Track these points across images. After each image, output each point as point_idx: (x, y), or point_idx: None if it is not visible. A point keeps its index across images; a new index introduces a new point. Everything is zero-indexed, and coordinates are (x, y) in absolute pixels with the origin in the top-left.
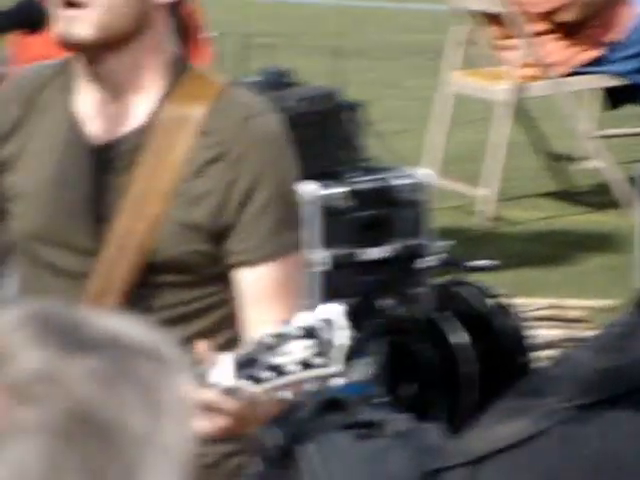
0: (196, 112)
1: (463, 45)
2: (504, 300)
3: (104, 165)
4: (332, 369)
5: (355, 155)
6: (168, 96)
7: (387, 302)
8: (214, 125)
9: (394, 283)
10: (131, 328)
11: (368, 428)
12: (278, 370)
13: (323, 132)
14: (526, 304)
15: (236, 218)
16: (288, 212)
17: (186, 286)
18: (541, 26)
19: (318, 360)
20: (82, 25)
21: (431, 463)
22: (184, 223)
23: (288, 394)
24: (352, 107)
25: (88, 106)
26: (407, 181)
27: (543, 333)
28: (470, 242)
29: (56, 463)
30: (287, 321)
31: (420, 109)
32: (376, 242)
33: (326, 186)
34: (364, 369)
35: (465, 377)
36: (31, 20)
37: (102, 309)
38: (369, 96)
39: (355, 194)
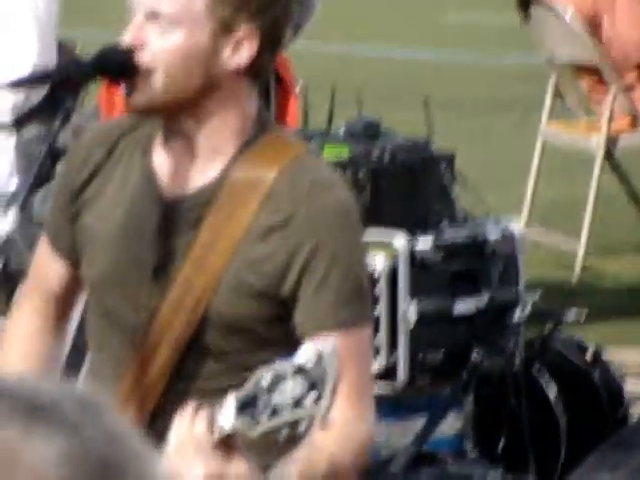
0: (267, 175)
1: (557, 96)
2: (598, 352)
3: (172, 219)
4: (322, 405)
5: (448, 206)
6: (241, 156)
7: (478, 355)
8: (282, 190)
9: (485, 336)
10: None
11: None
12: (274, 410)
13: (418, 183)
14: (617, 356)
15: (296, 288)
16: (351, 285)
17: (240, 350)
18: (634, 77)
19: (309, 397)
20: (139, 94)
21: None
22: (242, 284)
23: (284, 434)
24: (446, 158)
25: (162, 160)
26: (498, 233)
27: (633, 387)
28: (561, 294)
29: None
30: (284, 359)
31: (512, 161)
32: (467, 294)
33: (417, 237)
34: (455, 423)
35: (555, 430)
36: (115, 68)
37: (154, 364)
38: (461, 148)
39: (446, 246)
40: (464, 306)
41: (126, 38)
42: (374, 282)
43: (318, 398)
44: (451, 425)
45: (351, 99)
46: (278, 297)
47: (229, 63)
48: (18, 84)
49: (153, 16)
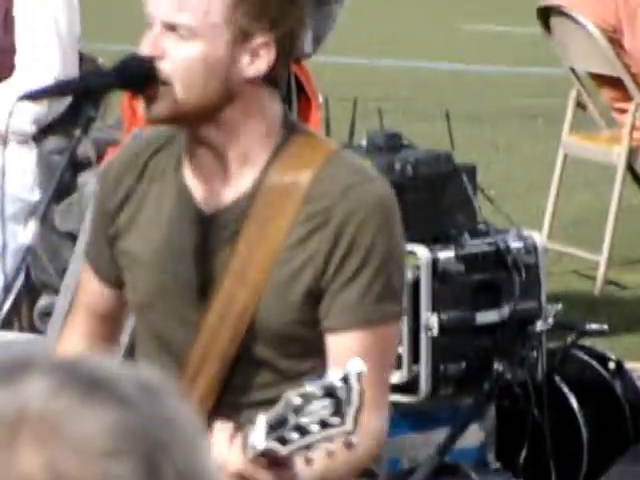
0: (302, 178)
1: (578, 108)
2: (620, 364)
3: (209, 235)
4: (346, 428)
5: (470, 218)
6: (274, 162)
7: (500, 366)
8: (318, 192)
9: (507, 347)
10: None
11: None
12: (302, 430)
13: (439, 195)
14: (637, 369)
15: (330, 283)
16: (383, 282)
17: (286, 359)
18: None
19: (334, 419)
20: (158, 104)
21: None
22: (284, 293)
23: (311, 454)
24: (468, 170)
25: (194, 175)
26: (520, 244)
27: None
28: (584, 305)
29: None
30: (313, 380)
31: (533, 172)
32: (489, 306)
33: (438, 249)
34: (477, 434)
35: (577, 442)
36: (136, 78)
37: (203, 379)
38: (482, 160)
39: (468, 257)
40: (486, 317)
41: (144, 49)
42: None
43: (344, 418)
44: (473, 436)
45: (373, 111)
46: (317, 297)
47: (247, 72)
48: (40, 95)
49: (171, 27)
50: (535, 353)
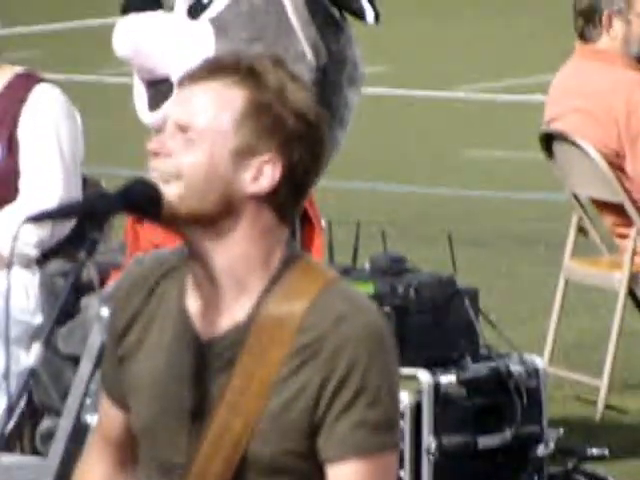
0: (296, 308)
1: (580, 233)
2: None
3: (207, 361)
4: None
5: (472, 342)
6: (270, 291)
7: None
8: (310, 323)
9: (508, 472)
10: None
11: None
12: None
13: (442, 318)
14: None
15: (325, 414)
16: (378, 412)
17: None
18: None
19: None
20: (171, 187)
21: None
22: (279, 424)
23: None
24: (470, 294)
25: (194, 300)
26: (521, 369)
27: None
28: (584, 430)
29: None
30: None
31: (534, 297)
32: (491, 429)
33: (440, 373)
34: None
35: None
36: (141, 202)
37: None
38: (484, 284)
39: (470, 381)
40: (488, 441)
41: (151, 144)
42: None
43: None
44: None
45: (376, 235)
46: (314, 429)
47: (248, 188)
48: (44, 218)
49: (181, 128)
50: (537, 478)
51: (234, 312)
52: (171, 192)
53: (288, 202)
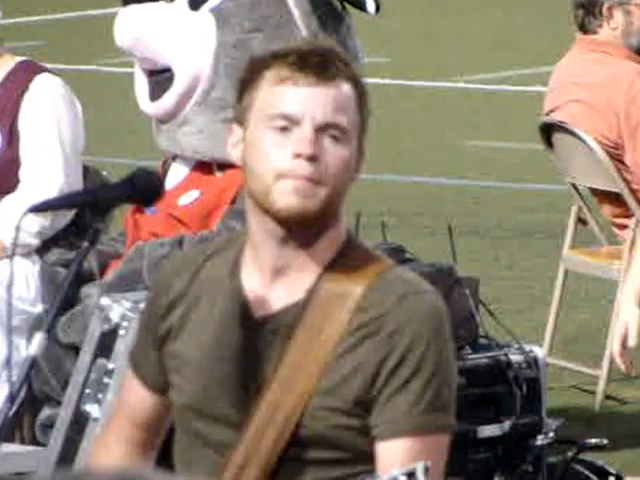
0: (354, 289)
1: (579, 223)
2: (620, 479)
3: (261, 338)
4: None
5: (471, 332)
6: (329, 272)
7: None
8: (371, 302)
9: (508, 461)
10: None
11: None
12: None
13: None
14: None
15: (380, 391)
16: (433, 392)
17: (333, 463)
18: None
19: None
20: (313, 199)
21: None
22: (332, 401)
23: None
24: (470, 284)
25: (253, 279)
26: (521, 359)
27: None
28: (583, 420)
29: None
30: (375, 476)
31: (534, 287)
32: (490, 419)
33: None
34: None
35: None
36: (143, 192)
37: None
38: (483, 274)
39: (469, 371)
40: (487, 431)
41: (304, 149)
42: None
43: None
44: None
45: (376, 226)
46: (369, 406)
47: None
48: (47, 207)
49: (325, 128)
50: (536, 467)
51: (292, 291)
52: (321, 194)
53: None
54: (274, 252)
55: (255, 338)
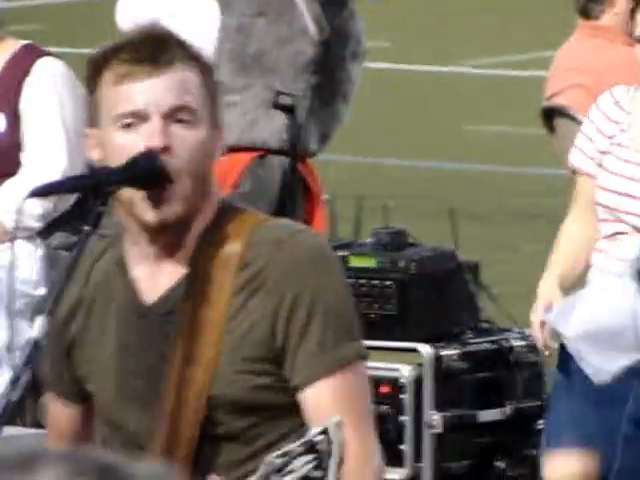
0: (233, 250)
1: None
2: None
3: (157, 322)
4: (330, 477)
5: (473, 316)
6: (206, 241)
7: (502, 464)
8: (251, 257)
9: (509, 445)
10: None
11: None
12: None
13: (444, 292)
14: None
15: (284, 342)
16: (334, 328)
17: (259, 427)
18: None
19: (316, 473)
20: (169, 205)
21: None
22: (238, 362)
23: None
24: (472, 268)
25: (139, 269)
26: (522, 343)
27: None
28: None
29: None
30: (294, 438)
31: (535, 272)
32: (492, 403)
33: (441, 347)
34: None
35: None
36: (145, 175)
37: (173, 463)
38: (485, 259)
39: (471, 355)
40: (489, 415)
41: (152, 141)
42: (400, 391)
43: (326, 471)
44: None
45: (378, 210)
46: (275, 359)
47: (217, 156)
48: (49, 191)
49: (172, 115)
50: (537, 452)
51: (176, 269)
52: (182, 191)
53: None
54: (151, 241)
55: (152, 324)
